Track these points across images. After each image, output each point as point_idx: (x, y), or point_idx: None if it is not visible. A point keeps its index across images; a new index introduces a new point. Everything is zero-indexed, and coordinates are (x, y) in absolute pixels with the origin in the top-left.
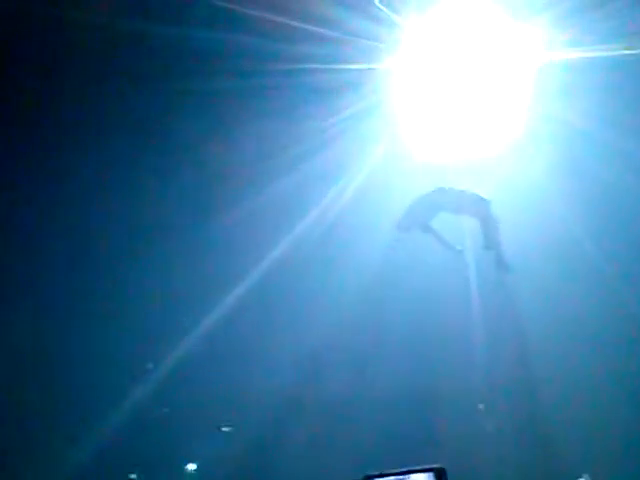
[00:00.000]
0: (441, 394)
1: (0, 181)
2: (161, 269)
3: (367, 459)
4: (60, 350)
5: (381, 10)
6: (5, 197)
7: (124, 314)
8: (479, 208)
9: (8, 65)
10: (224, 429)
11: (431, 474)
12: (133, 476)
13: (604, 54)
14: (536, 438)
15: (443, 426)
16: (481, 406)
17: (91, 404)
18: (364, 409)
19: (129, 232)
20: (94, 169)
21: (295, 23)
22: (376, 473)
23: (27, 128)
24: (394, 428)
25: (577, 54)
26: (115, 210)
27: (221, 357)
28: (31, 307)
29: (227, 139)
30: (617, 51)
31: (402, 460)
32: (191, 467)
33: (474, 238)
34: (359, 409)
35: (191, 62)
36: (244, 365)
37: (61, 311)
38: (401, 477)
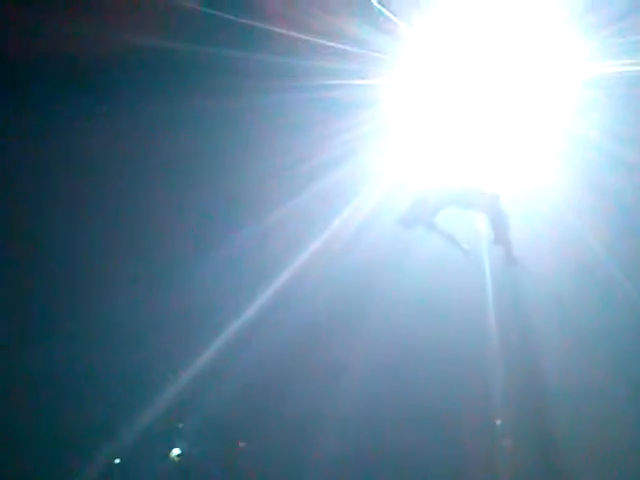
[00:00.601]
0: (457, 408)
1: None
2: (178, 279)
3: (381, 476)
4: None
5: (398, 24)
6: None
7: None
8: (488, 202)
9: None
10: (241, 444)
11: None
12: (117, 461)
13: (625, 69)
14: (555, 454)
15: (460, 442)
16: (498, 422)
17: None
18: (376, 424)
19: (153, 244)
20: (119, 184)
21: (311, 39)
22: None
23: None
24: (409, 443)
25: (599, 69)
26: (141, 223)
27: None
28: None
29: (243, 154)
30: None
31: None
32: (175, 452)
33: (483, 234)
34: (370, 424)
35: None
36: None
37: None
38: None
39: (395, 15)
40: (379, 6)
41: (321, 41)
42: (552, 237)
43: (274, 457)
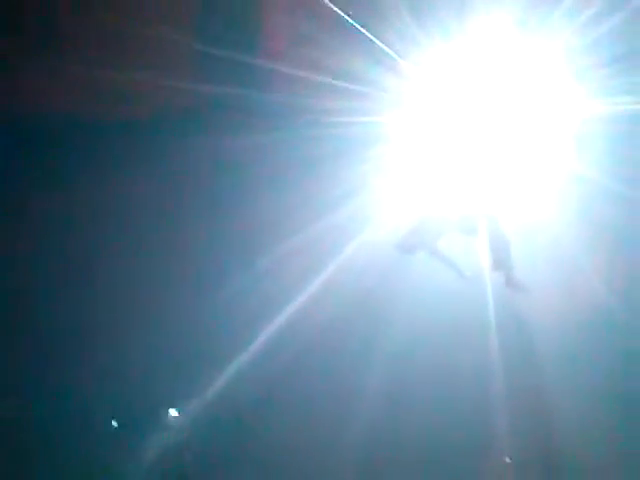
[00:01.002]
0: (465, 446)
1: None
2: (187, 313)
3: None
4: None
5: (400, 62)
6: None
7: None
8: (488, 228)
9: None
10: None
11: None
12: (114, 423)
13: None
14: None
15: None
16: (508, 459)
17: None
18: (382, 463)
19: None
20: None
21: (314, 77)
22: None
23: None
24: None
25: (598, 107)
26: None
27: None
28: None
29: (255, 193)
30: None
31: None
32: (173, 413)
33: (484, 259)
34: (375, 464)
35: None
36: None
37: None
38: None
39: (398, 53)
40: (382, 44)
41: (324, 79)
42: (553, 268)
43: None
